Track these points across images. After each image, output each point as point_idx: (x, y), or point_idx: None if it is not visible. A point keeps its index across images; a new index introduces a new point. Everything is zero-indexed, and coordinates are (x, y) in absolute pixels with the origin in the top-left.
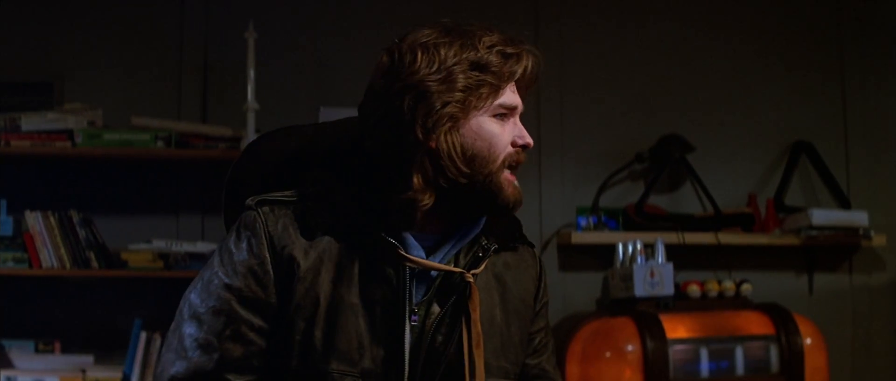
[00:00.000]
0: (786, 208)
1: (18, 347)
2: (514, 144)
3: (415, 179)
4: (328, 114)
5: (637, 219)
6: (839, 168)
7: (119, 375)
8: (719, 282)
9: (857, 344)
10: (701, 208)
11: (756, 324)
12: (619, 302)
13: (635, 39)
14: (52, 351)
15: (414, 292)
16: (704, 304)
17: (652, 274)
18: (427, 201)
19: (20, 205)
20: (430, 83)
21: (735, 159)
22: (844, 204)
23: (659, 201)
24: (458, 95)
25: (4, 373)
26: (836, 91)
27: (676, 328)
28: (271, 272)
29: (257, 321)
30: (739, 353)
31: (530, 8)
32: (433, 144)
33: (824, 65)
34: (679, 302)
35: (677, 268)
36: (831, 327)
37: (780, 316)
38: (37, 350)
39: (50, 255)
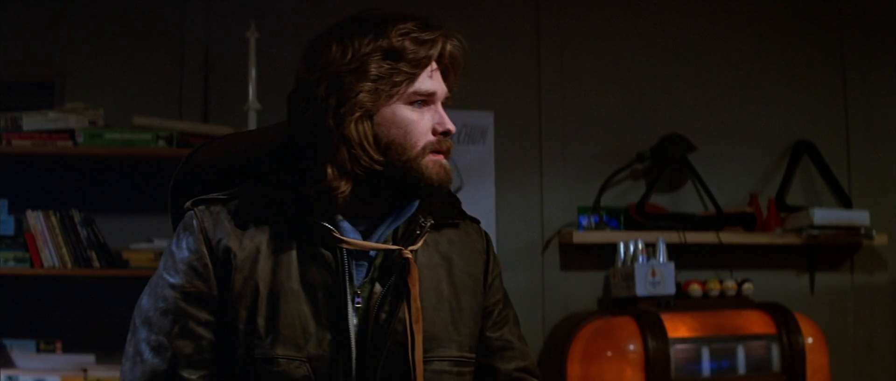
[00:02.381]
0: (787, 208)
1: (20, 346)
2: (434, 132)
3: (328, 169)
4: None
5: (638, 218)
6: (840, 167)
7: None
8: (721, 281)
9: (859, 343)
10: (702, 208)
11: (757, 323)
12: (621, 301)
13: (637, 39)
14: (53, 351)
15: (355, 275)
16: (706, 303)
17: (653, 273)
18: (344, 188)
19: (22, 204)
20: (342, 73)
21: (736, 159)
22: (846, 203)
23: (660, 200)
24: (369, 84)
25: (6, 373)
26: (838, 90)
27: (678, 328)
28: (210, 266)
29: (204, 316)
30: (741, 352)
31: (531, 7)
32: (346, 133)
33: (825, 64)
34: (680, 301)
35: (679, 267)
36: (833, 326)
37: (782, 315)
38: (38, 350)
39: (51, 254)
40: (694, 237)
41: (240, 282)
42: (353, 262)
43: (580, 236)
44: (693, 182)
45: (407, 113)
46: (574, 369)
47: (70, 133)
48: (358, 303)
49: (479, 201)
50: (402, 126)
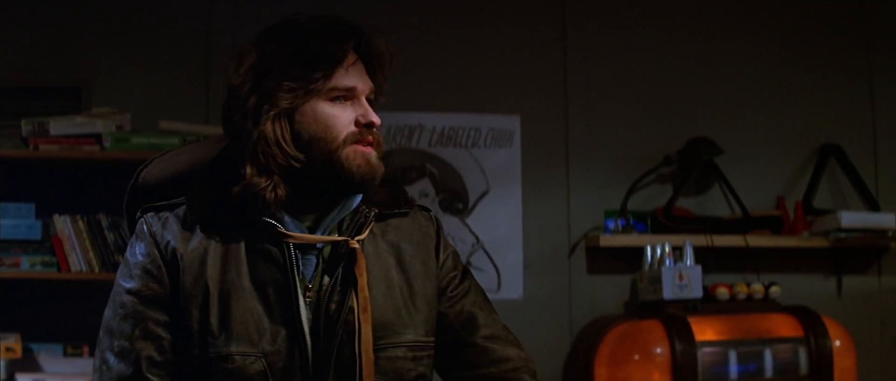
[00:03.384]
0: (814, 211)
1: (47, 350)
2: (357, 124)
3: (248, 168)
4: None
5: (665, 222)
6: (867, 170)
7: None
8: (748, 284)
9: (886, 346)
10: (729, 211)
11: (784, 326)
12: (648, 305)
13: (663, 43)
14: (80, 355)
15: (303, 269)
16: (733, 306)
17: (680, 277)
18: (265, 185)
19: (49, 209)
20: (260, 75)
21: (763, 162)
22: (873, 206)
23: (687, 203)
24: (286, 83)
25: (33, 377)
26: (865, 93)
27: (705, 331)
28: (162, 266)
29: (162, 317)
30: (768, 355)
31: (558, 14)
32: (263, 131)
33: (852, 67)
34: (707, 305)
35: (706, 270)
36: (860, 329)
37: (809, 318)
38: (65, 354)
39: (79, 259)
40: (721, 240)
41: (190, 282)
42: (301, 256)
43: (607, 240)
44: (720, 185)
45: (326, 108)
46: (601, 372)
47: (97, 138)
48: (309, 296)
49: (505, 205)
50: (321, 121)
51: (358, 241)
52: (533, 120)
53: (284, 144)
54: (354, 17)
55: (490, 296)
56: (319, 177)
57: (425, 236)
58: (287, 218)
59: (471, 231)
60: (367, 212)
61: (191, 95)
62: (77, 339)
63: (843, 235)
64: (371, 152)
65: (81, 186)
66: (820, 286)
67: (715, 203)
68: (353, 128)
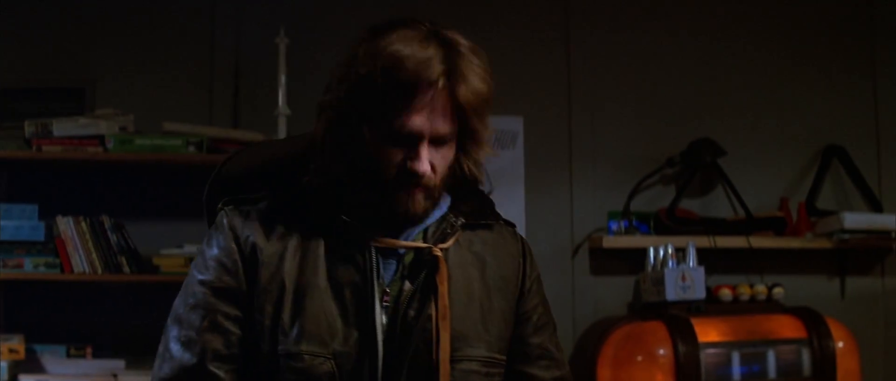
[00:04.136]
0: (817, 212)
1: (50, 352)
2: (404, 167)
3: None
4: None
5: (668, 223)
6: (871, 172)
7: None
8: (751, 286)
9: (890, 347)
10: (732, 212)
11: (788, 328)
12: (651, 306)
13: (666, 44)
14: (83, 356)
15: (383, 273)
16: (736, 308)
17: (683, 278)
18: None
19: (52, 210)
20: (336, 95)
21: (766, 163)
22: (876, 207)
23: (690, 204)
24: (355, 111)
25: (36, 378)
26: (868, 94)
27: (708, 332)
28: (239, 261)
29: (233, 311)
30: (771, 357)
31: (561, 15)
32: (330, 148)
33: (856, 68)
34: (711, 306)
35: (709, 272)
36: (863, 330)
37: (812, 320)
38: (68, 355)
39: (81, 260)
40: (724, 242)
41: (266, 278)
42: (382, 260)
43: (610, 241)
44: (723, 187)
45: (383, 144)
46: (604, 373)
47: (100, 139)
48: (386, 301)
49: (508, 206)
50: (375, 156)
51: (442, 249)
52: (536, 121)
53: (352, 161)
54: (353, 22)
55: None
56: (375, 202)
57: (509, 255)
58: (372, 220)
59: None
60: (454, 221)
61: (194, 95)
62: (80, 340)
63: (846, 236)
64: (417, 196)
65: (85, 187)
66: (823, 288)
67: (718, 204)
68: (395, 172)
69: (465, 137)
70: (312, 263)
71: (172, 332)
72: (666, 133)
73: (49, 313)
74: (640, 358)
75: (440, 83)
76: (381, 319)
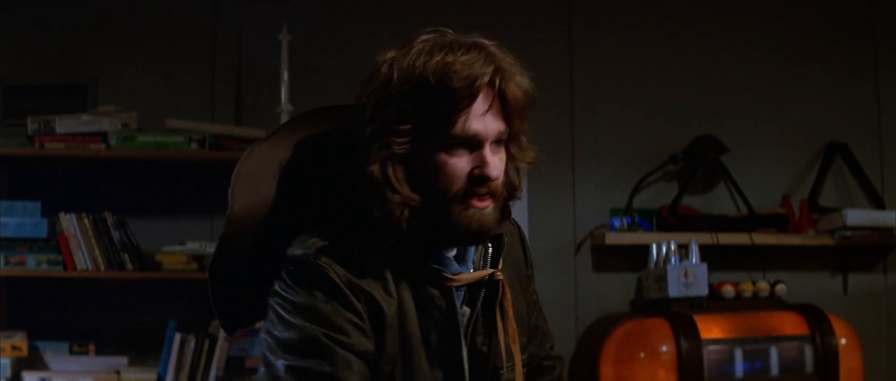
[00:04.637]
0: (820, 209)
1: (53, 348)
2: (471, 175)
3: (376, 204)
4: None
5: (671, 220)
6: (873, 168)
7: (154, 376)
8: (753, 282)
9: (892, 344)
10: (735, 209)
11: (790, 324)
12: (654, 303)
13: (669, 41)
14: (86, 353)
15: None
16: (739, 304)
17: (686, 275)
18: (403, 217)
19: (55, 207)
20: (378, 105)
21: (769, 160)
22: (879, 204)
23: (693, 201)
24: (403, 126)
25: (39, 374)
26: (871, 91)
27: (711, 329)
28: (358, 318)
29: (359, 366)
30: (774, 353)
31: (564, 11)
32: (372, 173)
33: (858, 65)
34: (713, 303)
35: (711, 269)
36: (866, 327)
37: (815, 316)
38: (71, 352)
39: (84, 257)
40: (726, 238)
41: (391, 340)
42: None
43: (613, 238)
44: (725, 184)
45: (441, 157)
46: (607, 370)
47: (103, 136)
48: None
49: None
50: (434, 171)
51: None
52: (539, 118)
53: (397, 185)
54: (355, 20)
55: None
56: (437, 222)
57: (517, 247)
58: (444, 255)
59: None
60: (497, 237)
61: (196, 92)
62: (83, 337)
63: (848, 233)
64: (485, 208)
65: (87, 184)
66: (826, 284)
67: (721, 201)
68: (465, 181)
69: (509, 139)
70: (409, 314)
71: None
72: (668, 130)
73: (52, 310)
74: (642, 355)
75: (495, 82)
76: (466, 358)
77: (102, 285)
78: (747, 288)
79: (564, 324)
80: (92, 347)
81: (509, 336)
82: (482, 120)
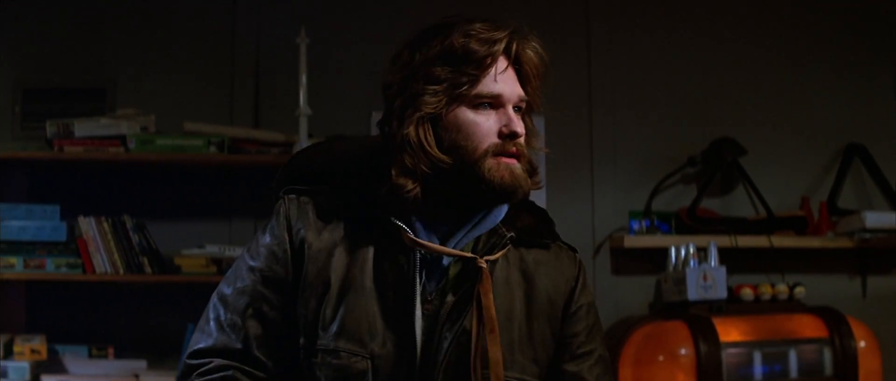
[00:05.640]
0: (839, 211)
1: (72, 352)
2: (500, 134)
3: (393, 169)
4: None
5: (690, 222)
6: (892, 170)
7: (172, 379)
8: (772, 285)
9: None
10: (754, 212)
11: (809, 327)
12: (672, 306)
13: (686, 44)
14: (105, 356)
15: (425, 279)
16: (757, 307)
17: (705, 277)
18: (411, 187)
19: (74, 210)
20: (408, 78)
21: (787, 162)
22: None
23: (711, 204)
24: (432, 87)
25: (58, 378)
26: (889, 93)
27: (730, 332)
28: (289, 251)
29: (278, 300)
30: (793, 356)
31: (581, 15)
32: (406, 134)
33: (877, 67)
34: (732, 305)
35: (730, 271)
36: (885, 329)
37: (834, 319)
38: (90, 355)
39: (103, 260)
40: (745, 241)
41: (313, 272)
42: (429, 268)
43: (631, 241)
44: (744, 186)
45: (470, 115)
46: (626, 373)
47: (122, 139)
48: (428, 310)
49: None
50: (463, 129)
51: (488, 261)
52: (557, 121)
53: (429, 148)
54: (376, 23)
55: None
56: (460, 184)
57: (561, 279)
58: (419, 225)
59: None
60: (505, 234)
61: (215, 95)
62: (102, 340)
63: (867, 235)
64: (515, 164)
65: (106, 187)
66: (845, 287)
67: (739, 204)
68: (494, 139)
69: (527, 112)
70: (361, 262)
71: (217, 311)
72: (687, 132)
73: (71, 314)
74: (661, 358)
75: (512, 47)
76: (420, 325)
77: (121, 289)
78: (766, 291)
79: None
80: (111, 350)
81: (486, 326)
82: (505, 81)
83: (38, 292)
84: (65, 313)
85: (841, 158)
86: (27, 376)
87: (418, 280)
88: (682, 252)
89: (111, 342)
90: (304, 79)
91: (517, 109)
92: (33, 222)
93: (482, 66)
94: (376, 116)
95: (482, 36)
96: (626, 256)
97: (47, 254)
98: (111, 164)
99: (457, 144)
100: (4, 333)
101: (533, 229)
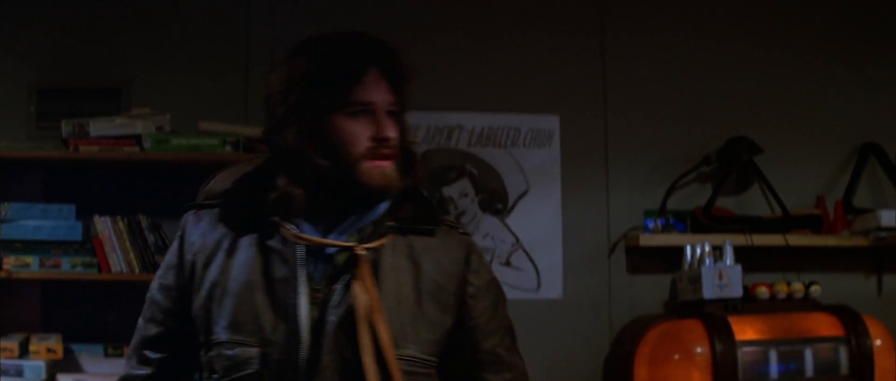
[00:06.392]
0: (854, 210)
1: (88, 351)
2: (373, 138)
3: (280, 179)
4: None
5: (705, 221)
6: None
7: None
8: (788, 284)
9: None
10: (769, 210)
11: (825, 326)
12: (688, 304)
13: (701, 43)
14: (121, 355)
15: (314, 270)
16: (773, 306)
17: (720, 276)
18: (297, 192)
19: (89, 210)
20: (287, 89)
21: (803, 161)
22: None
23: (727, 203)
24: (309, 99)
25: (74, 377)
26: None
27: (745, 330)
28: (182, 262)
29: (168, 306)
30: (808, 355)
31: (596, 14)
32: (287, 144)
33: (892, 66)
34: (747, 304)
35: (745, 270)
36: None
37: (850, 318)
38: (106, 354)
39: (119, 259)
40: (761, 240)
41: (199, 275)
42: (315, 259)
43: (646, 239)
44: (759, 185)
45: (344, 123)
46: (641, 372)
47: (137, 139)
48: (318, 297)
49: (545, 205)
50: (340, 135)
51: (367, 248)
52: (572, 120)
53: (310, 155)
54: (392, 21)
55: (529, 296)
56: (341, 185)
57: (450, 261)
58: (305, 223)
59: (510, 231)
60: (387, 223)
61: (230, 95)
62: (118, 340)
63: (883, 234)
64: (386, 166)
65: (121, 187)
66: (860, 285)
67: (754, 202)
68: (366, 143)
69: (400, 113)
70: (250, 261)
71: (137, 328)
72: (702, 131)
73: (87, 313)
74: (677, 357)
75: (381, 56)
76: (306, 312)
77: (137, 288)
78: (782, 289)
79: (598, 325)
80: (126, 349)
81: (368, 305)
82: (376, 89)
83: (53, 292)
84: (80, 313)
85: (856, 157)
86: (43, 375)
87: (302, 271)
88: (698, 251)
89: (127, 341)
90: None
91: (390, 113)
92: (49, 221)
93: (353, 77)
94: None
95: (353, 50)
96: (641, 254)
97: (63, 253)
98: (126, 163)
99: (335, 149)
100: (20, 332)
101: (416, 216)
